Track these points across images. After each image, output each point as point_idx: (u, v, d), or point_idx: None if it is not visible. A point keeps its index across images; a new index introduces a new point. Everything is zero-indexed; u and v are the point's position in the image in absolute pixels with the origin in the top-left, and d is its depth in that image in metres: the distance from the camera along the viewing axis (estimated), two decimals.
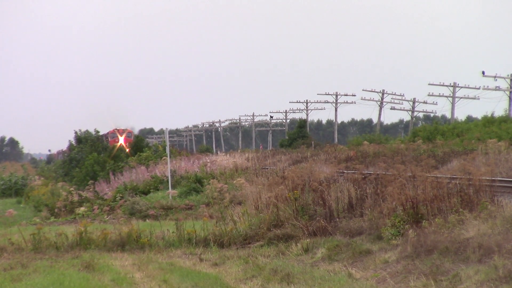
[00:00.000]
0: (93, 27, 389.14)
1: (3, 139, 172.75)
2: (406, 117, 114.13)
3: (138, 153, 48.94)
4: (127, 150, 57.49)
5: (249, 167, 35.28)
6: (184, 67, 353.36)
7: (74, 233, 15.91)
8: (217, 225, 16.70)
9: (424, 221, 13.13)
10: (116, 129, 66.61)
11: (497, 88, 64.74)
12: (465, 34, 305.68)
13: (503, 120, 47.22)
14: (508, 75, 64.90)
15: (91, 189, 32.32)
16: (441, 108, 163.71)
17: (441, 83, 67.66)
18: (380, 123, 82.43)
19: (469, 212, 12.67)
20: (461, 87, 67.47)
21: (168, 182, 29.20)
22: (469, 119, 79.71)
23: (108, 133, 67.69)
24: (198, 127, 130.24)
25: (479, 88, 66.57)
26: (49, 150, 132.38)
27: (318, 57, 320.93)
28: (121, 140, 64.01)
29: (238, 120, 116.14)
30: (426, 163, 20.28)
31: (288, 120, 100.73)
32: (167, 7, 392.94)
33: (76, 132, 54.38)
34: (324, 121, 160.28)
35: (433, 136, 46.70)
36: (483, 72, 62.79)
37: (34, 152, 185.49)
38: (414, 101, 75.63)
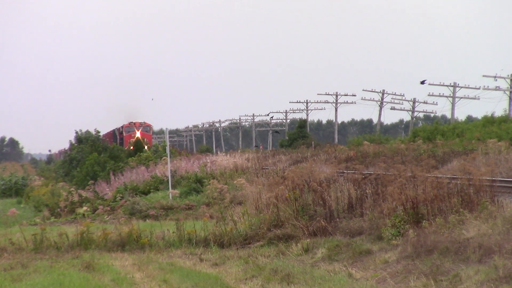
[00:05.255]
0: (93, 28, 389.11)
1: (3, 139, 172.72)
2: (406, 117, 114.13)
3: (138, 153, 48.94)
4: (146, 146, 53.85)
5: (249, 167, 35.27)
6: (184, 67, 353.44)
7: (75, 233, 15.93)
8: (217, 225, 16.71)
9: (424, 221, 13.14)
10: (131, 122, 61.20)
11: (497, 88, 64.78)
12: (465, 34, 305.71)
13: (503, 120, 47.18)
14: (508, 75, 64.94)
15: (91, 189, 32.33)
16: (441, 108, 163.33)
17: (441, 83, 67.64)
18: (380, 123, 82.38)
19: (469, 212, 12.68)
20: (461, 87, 67.45)
21: (168, 182, 29.21)
22: (469, 119, 79.78)
23: (122, 127, 62.54)
24: (198, 127, 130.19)
25: (479, 88, 66.61)
26: (49, 150, 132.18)
27: (318, 57, 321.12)
28: (138, 135, 58.52)
29: (238, 120, 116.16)
30: (426, 163, 20.26)
31: (288, 120, 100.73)
32: (167, 7, 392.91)
33: (76, 132, 54.30)
34: (324, 121, 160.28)
35: (433, 136, 46.67)
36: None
37: (34, 152, 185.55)
38: (414, 101, 75.59)
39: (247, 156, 42.86)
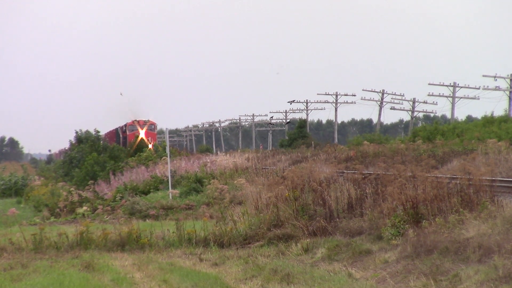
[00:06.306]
0: (93, 28, 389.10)
1: (3, 139, 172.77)
2: (406, 117, 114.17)
3: (138, 153, 48.94)
4: (150, 145, 53.21)
5: (249, 167, 35.26)
6: (184, 67, 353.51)
7: (74, 233, 15.92)
8: (217, 225, 16.71)
9: (424, 221, 13.14)
10: (135, 120, 59.58)
11: (497, 88, 64.82)
12: (465, 34, 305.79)
13: (503, 120, 47.16)
14: (508, 75, 64.95)
15: (91, 189, 32.34)
16: (441, 108, 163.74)
17: (441, 83, 67.66)
18: (380, 123, 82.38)
19: (469, 212, 12.67)
20: (461, 87, 67.47)
21: (168, 182, 29.21)
22: (469, 119, 79.70)
23: (126, 125, 61.06)
24: (198, 127, 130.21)
25: (479, 88, 66.66)
26: (49, 150, 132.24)
27: (318, 57, 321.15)
28: (142, 133, 57.44)
29: (238, 120, 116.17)
30: (426, 163, 20.26)
31: (288, 120, 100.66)
32: (167, 7, 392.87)
33: (76, 132, 54.27)
34: (324, 121, 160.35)
35: (433, 136, 46.64)
36: None
37: (34, 152, 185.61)
38: (414, 101, 75.57)
39: (247, 156, 42.86)
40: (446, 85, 67.53)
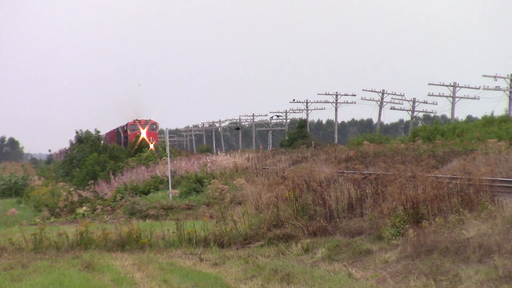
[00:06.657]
0: (93, 27, 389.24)
1: (3, 139, 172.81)
2: (406, 117, 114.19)
3: (138, 153, 48.96)
4: (151, 145, 53.17)
5: (249, 167, 35.26)
6: (184, 67, 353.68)
7: (74, 233, 15.92)
8: (217, 225, 16.70)
9: (424, 221, 13.14)
10: (137, 120, 59.32)
11: (497, 88, 64.86)
12: (465, 34, 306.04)
13: (503, 120, 47.17)
14: (508, 75, 65.00)
15: (91, 189, 32.35)
16: (441, 108, 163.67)
17: (441, 83, 67.71)
18: (380, 123, 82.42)
19: (469, 212, 12.67)
20: (461, 87, 67.51)
21: (168, 182, 29.22)
22: (469, 119, 79.76)
23: (127, 125, 60.78)
24: (198, 127, 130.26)
25: (479, 88, 66.72)
26: (49, 150, 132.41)
27: (318, 57, 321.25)
28: (143, 133, 57.24)
29: (238, 120, 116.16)
30: (426, 163, 20.27)
31: (288, 120, 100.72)
32: (167, 7, 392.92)
33: (77, 132, 54.28)
34: (324, 121, 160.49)
35: (433, 136, 46.66)
36: None
37: (34, 152, 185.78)
38: (414, 101, 75.60)
39: (247, 156, 42.86)
40: (446, 85, 67.59)
